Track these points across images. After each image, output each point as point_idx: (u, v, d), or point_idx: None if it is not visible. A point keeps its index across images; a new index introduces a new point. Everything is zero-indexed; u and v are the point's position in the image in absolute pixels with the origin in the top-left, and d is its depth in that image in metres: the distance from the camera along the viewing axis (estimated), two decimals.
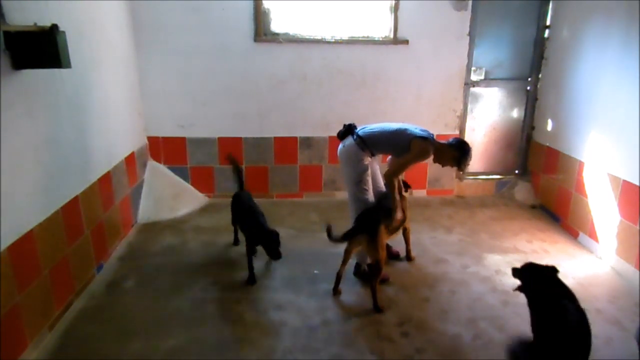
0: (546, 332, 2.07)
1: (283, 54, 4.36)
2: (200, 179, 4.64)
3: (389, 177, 3.03)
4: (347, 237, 2.92)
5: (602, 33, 3.68)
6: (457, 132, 4.75)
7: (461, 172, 3.02)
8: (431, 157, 3.09)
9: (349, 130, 3.16)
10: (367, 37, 4.43)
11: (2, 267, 2.19)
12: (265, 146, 4.62)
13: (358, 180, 3.08)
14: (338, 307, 2.94)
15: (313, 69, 4.46)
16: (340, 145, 3.21)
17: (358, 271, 3.26)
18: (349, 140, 3.12)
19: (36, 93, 2.51)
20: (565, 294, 2.15)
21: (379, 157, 3.33)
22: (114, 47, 3.70)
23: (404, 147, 2.99)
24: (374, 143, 3.06)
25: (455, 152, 3.06)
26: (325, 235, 2.84)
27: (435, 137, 3.10)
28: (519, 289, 2.29)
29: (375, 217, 2.95)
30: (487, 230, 4.12)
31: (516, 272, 2.33)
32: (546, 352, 2.02)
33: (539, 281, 2.21)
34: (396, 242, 3.51)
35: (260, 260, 3.48)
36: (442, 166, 3.19)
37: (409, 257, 3.53)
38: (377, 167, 3.34)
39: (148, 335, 2.63)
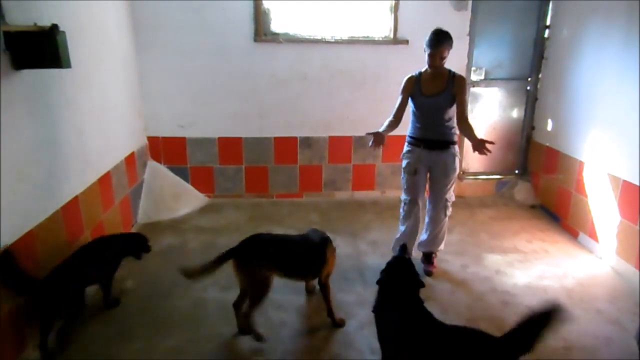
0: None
1: (283, 54, 4.36)
2: (200, 179, 4.64)
3: (467, 119, 3.25)
4: None
5: (602, 33, 3.68)
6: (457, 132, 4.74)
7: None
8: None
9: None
10: (367, 37, 4.43)
11: None
12: (265, 146, 4.61)
13: None
14: (338, 307, 2.93)
15: (313, 69, 4.45)
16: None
17: None
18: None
19: (36, 93, 2.51)
20: None
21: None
22: (114, 47, 3.70)
23: (448, 96, 3.19)
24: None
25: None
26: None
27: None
28: None
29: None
30: (487, 230, 4.12)
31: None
32: None
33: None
34: None
35: None
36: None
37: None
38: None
39: (148, 335, 2.63)
